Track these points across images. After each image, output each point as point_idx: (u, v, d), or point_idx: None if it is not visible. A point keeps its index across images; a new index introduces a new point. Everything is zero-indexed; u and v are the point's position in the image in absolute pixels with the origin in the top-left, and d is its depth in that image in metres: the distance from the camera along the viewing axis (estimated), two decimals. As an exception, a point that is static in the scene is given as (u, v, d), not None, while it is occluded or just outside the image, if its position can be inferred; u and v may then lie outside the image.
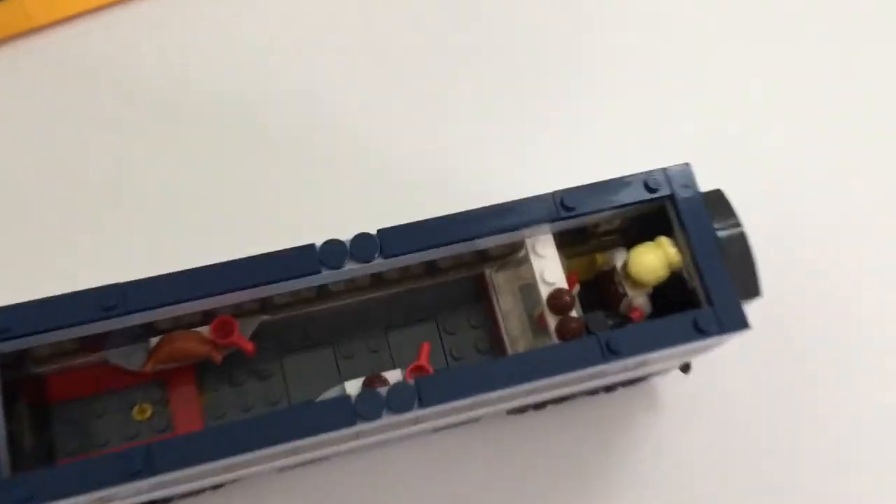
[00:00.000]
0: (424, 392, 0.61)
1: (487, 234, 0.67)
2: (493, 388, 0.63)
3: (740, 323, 0.67)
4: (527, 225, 0.69)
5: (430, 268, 0.73)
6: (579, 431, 0.76)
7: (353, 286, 0.69)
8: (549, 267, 0.70)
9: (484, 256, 0.76)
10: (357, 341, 0.68)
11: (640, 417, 0.77)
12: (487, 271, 0.78)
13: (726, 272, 0.68)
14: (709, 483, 0.74)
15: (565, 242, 0.68)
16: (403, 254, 0.64)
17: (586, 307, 0.76)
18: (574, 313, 0.69)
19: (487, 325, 0.72)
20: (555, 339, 0.68)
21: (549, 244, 0.71)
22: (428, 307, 0.71)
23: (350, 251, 0.60)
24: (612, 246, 0.78)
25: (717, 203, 0.72)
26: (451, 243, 0.66)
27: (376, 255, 0.62)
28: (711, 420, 0.77)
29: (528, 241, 0.71)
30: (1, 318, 0.52)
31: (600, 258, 0.78)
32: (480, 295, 0.77)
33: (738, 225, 0.71)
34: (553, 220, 0.69)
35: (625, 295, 0.74)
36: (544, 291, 0.70)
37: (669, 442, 0.76)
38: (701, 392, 0.78)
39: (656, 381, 0.76)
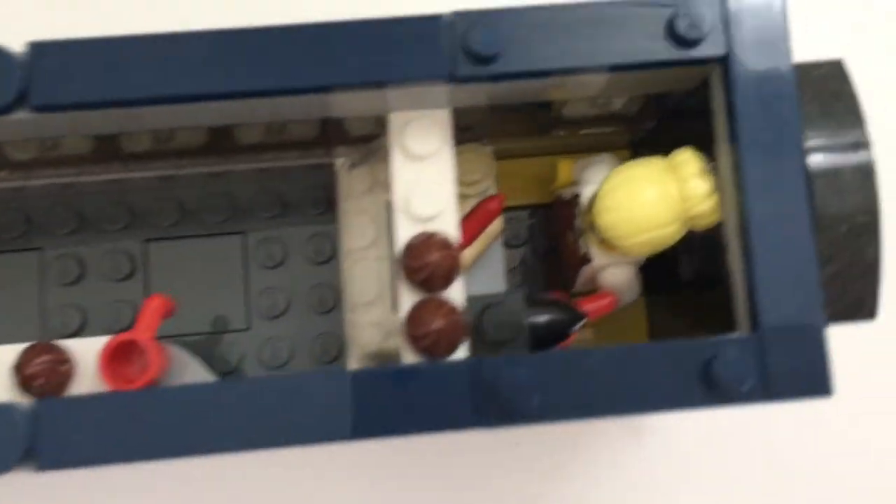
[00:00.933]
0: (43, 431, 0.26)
1: (298, 87, 0.32)
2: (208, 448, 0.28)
3: (813, 383, 0.29)
4: (396, 80, 0.30)
5: (224, 139, 0.37)
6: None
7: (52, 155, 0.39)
8: (424, 182, 0.32)
9: (334, 132, 0.37)
10: (90, 248, 0.42)
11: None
12: (339, 161, 0.40)
13: (811, 255, 0.29)
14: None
15: (507, 127, 0.39)
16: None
17: (517, 262, 0.38)
18: (455, 290, 0.31)
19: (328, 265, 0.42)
20: (405, 344, 0.31)
21: (437, 131, 0.32)
22: (227, 207, 0.43)
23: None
24: (596, 147, 0.39)
25: (828, 93, 0.32)
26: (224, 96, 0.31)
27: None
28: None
29: (395, 118, 0.33)
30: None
31: (564, 169, 0.39)
32: (330, 201, 0.40)
33: (861, 147, 0.31)
34: (451, 79, 0.30)
35: (586, 259, 0.35)
36: (403, 233, 0.32)
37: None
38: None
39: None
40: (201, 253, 0.42)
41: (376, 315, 0.38)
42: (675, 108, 0.37)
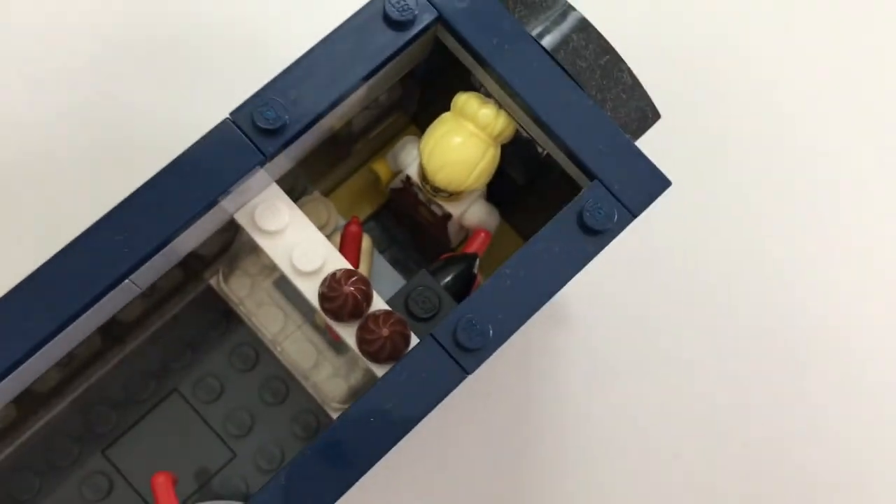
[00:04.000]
0: None
1: (152, 246, 0.35)
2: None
3: (655, 181, 0.36)
4: (221, 190, 0.34)
5: (113, 329, 0.39)
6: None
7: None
8: (298, 245, 0.37)
9: (194, 264, 0.41)
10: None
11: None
12: (214, 280, 0.44)
13: (590, 102, 0.36)
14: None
15: (315, 169, 0.44)
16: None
17: (404, 263, 0.43)
18: (375, 305, 0.36)
19: (267, 362, 0.46)
20: (363, 359, 0.36)
21: (278, 203, 0.37)
22: (147, 381, 0.45)
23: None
24: (393, 137, 0.45)
25: (521, -5, 0.39)
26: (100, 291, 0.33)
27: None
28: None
29: (240, 216, 0.37)
30: None
31: (381, 168, 0.45)
32: (229, 314, 0.44)
33: (568, 12, 0.38)
34: (261, 163, 0.35)
35: (446, 216, 0.41)
36: (308, 290, 0.36)
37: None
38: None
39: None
40: (154, 429, 0.45)
41: (327, 369, 0.43)
42: (428, 73, 0.43)
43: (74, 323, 0.34)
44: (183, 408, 0.45)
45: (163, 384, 0.45)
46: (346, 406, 0.43)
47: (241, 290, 0.43)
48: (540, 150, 0.41)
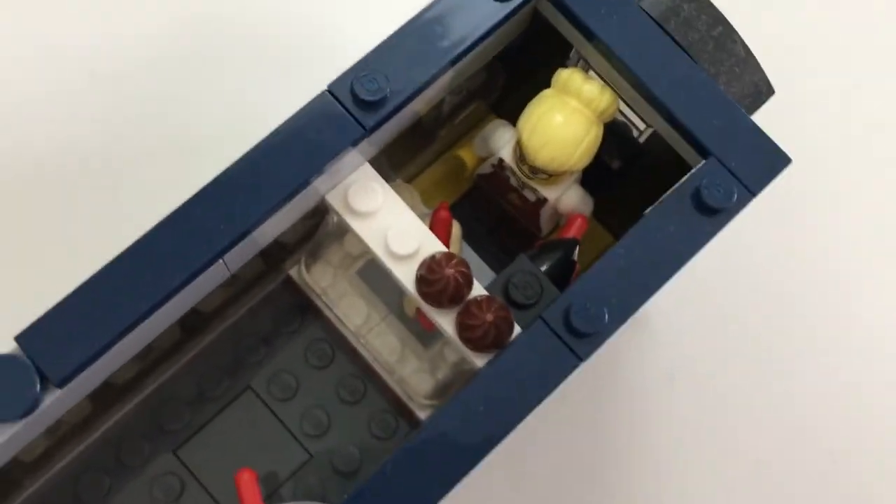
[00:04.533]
0: None
1: (245, 226, 0.33)
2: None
3: (774, 158, 0.34)
4: (320, 167, 0.32)
5: (194, 321, 0.38)
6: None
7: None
8: (392, 227, 0.35)
9: (276, 251, 0.39)
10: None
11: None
12: (294, 271, 0.42)
13: (704, 76, 0.34)
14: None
15: (397, 156, 0.41)
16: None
17: (487, 252, 0.41)
18: (475, 290, 0.34)
19: (342, 360, 0.43)
20: (462, 347, 0.34)
21: (373, 184, 0.35)
22: (219, 376, 0.43)
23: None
24: (475, 124, 0.43)
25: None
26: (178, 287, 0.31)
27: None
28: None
29: (332, 197, 0.35)
30: None
31: (466, 155, 0.43)
32: (306, 308, 0.42)
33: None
34: (361, 138, 0.33)
35: (540, 201, 0.39)
36: (403, 275, 0.34)
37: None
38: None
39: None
40: (227, 427, 0.43)
41: (413, 363, 0.41)
42: (517, 54, 0.41)
43: (163, 307, 0.32)
44: (257, 406, 0.43)
45: (237, 381, 0.43)
46: (433, 402, 0.40)
47: (324, 280, 0.41)
48: (635, 133, 0.39)
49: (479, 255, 0.45)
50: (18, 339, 0.30)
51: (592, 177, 0.41)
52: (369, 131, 0.33)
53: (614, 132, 0.39)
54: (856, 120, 0.55)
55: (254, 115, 0.43)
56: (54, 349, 0.30)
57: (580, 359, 0.33)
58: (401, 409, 0.42)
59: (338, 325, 0.41)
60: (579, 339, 0.32)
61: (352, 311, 0.41)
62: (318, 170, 0.33)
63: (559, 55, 0.38)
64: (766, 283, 0.52)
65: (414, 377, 0.40)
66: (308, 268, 0.41)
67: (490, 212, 0.44)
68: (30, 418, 0.31)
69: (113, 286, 0.31)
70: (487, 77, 0.44)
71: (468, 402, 0.32)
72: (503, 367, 0.32)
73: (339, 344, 0.43)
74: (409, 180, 0.44)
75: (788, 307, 0.52)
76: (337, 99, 0.33)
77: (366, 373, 0.43)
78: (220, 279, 0.35)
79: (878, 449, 0.51)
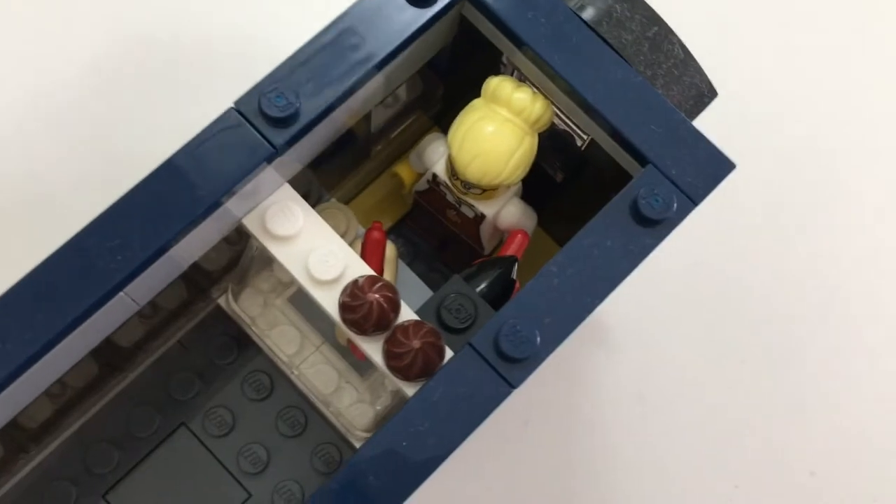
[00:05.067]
0: None
1: (148, 256, 0.30)
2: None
3: (717, 165, 0.32)
4: (226, 189, 0.30)
5: (112, 355, 0.35)
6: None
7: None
8: (314, 251, 0.33)
9: (200, 279, 0.37)
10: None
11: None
12: (223, 299, 0.39)
13: (639, 79, 0.32)
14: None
15: (330, 175, 0.40)
16: None
17: (435, 273, 0.39)
18: (403, 315, 0.32)
19: (282, 390, 0.41)
20: (391, 377, 0.32)
21: (292, 206, 0.33)
22: (150, 415, 0.40)
23: None
24: (416, 138, 0.41)
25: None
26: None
27: None
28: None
29: (249, 221, 0.33)
30: None
31: (403, 171, 0.41)
32: (240, 338, 0.39)
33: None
34: (271, 157, 0.31)
35: (478, 217, 0.37)
36: (328, 302, 0.32)
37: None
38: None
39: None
40: (159, 468, 0.41)
41: (350, 394, 0.38)
42: (451, 63, 0.39)
43: (62, 344, 0.30)
44: (192, 444, 0.41)
45: (169, 418, 0.40)
46: (364, 440, 0.38)
47: (253, 309, 0.39)
48: (578, 142, 0.37)
49: (428, 275, 0.43)
50: None
51: (536, 189, 0.39)
52: (280, 151, 0.31)
53: (556, 142, 0.37)
54: (804, 120, 0.53)
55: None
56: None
57: (512, 386, 0.30)
58: (345, 441, 0.40)
59: (271, 355, 0.39)
60: (510, 364, 0.30)
61: (284, 341, 0.39)
62: (224, 192, 0.31)
63: (493, 62, 0.36)
64: (737, 295, 0.50)
65: (352, 409, 0.38)
66: (236, 296, 0.39)
67: (433, 230, 0.42)
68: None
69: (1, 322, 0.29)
70: (424, 87, 0.42)
71: (392, 437, 0.30)
72: (429, 397, 0.30)
73: (277, 374, 0.40)
74: (347, 201, 0.42)
75: (762, 318, 0.50)
76: (244, 116, 0.31)
77: (308, 403, 0.40)
78: (128, 313, 0.33)
79: (856, 465, 0.49)
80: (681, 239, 0.35)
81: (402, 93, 0.41)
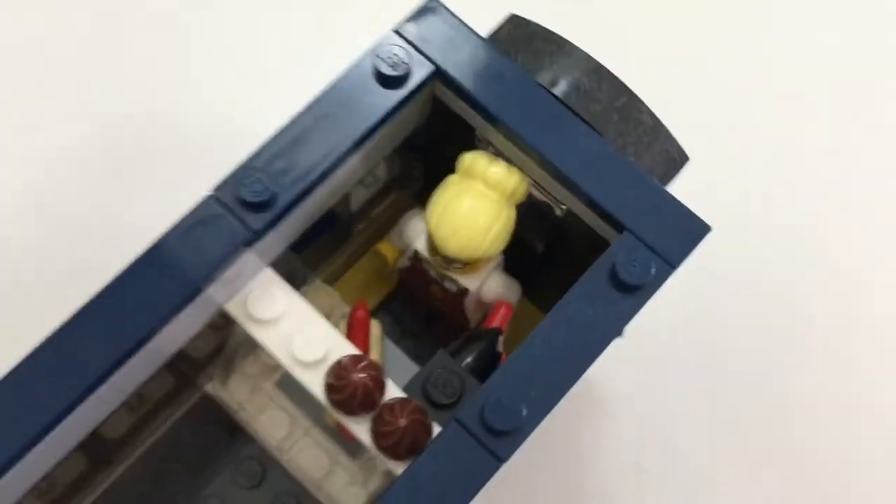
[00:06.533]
0: None
1: (135, 341, 0.31)
2: None
3: (693, 228, 0.32)
4: (206, 275, 0.30)
5: (99, 449, 0.35)
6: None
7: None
8: (298, 333, 0.33)
9: (184, 365, 0.37)
10: None
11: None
12: (210, 386, 0.39)
13: (610, 149, 0.32)
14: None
15: (313, 256, 0.40)
16: None
17: (423, 349, 0.39)
18: (389, 393, 0.32)
19: (274, 476, 0.40)
20: (380, 456, 0.31)
21: (273, 289, 0.33)
22: (150, 497, 0.39)
23: None
24: (398, 216, 0.42)
25: (522, 39, 0.36)
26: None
27: None
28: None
29: (232, 307, 0.33)
30: None
31: (385, 249, 0.41)
32: (229, 425, 0.39)
33: (574, 53, 0.35)
34: (250, 242, 0.31)
35: (461, 291, 0.37)
36: (313, 384, 0.32)
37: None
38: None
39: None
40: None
41: (342, 477, 0.38)
42: (428, 141, 0.40)
43: (46, 439, 0.29)
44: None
45: None
46: (365, 518, 0.38)
47: (240, 395, 0.39)
48: (557, 211, 0.37)
49: (415, 351, 0.43)
50: None
51: (518, 259, 0.39)
52: (259, 234, 0.32)
53: (535, 212, 0.37)
54: (780, 177, 0.54)
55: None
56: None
57: (500, 460, 0.30)
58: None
59: (261, 441, 0.39)
60: (497, 437, 0.30)
61: (273, 427, 0.38)
62: (205, 279, 0.31)
63: (468, 138, 0.37)
64: (726, 357, 0.50)
65: (344, 492, 0.38)
66: (223, 382, 0.39)
67: (419, 307, 0.42)
68: None
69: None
70: (403, 166, 0.42)
71: (382, 519, 0.29)
72: (417, 476, 0.30)
73: (269, 460, 0.40)
74: (335, 280, 0.43)
75: (753, 380, 0.50)
76: (222, 203, 0.32)
77: (300, 489, 0.40)
78: (114, 404, 0.32)
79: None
80: (664, 305, 0.36)
81: (381, 172, 0.41)
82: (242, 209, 0.32)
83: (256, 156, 0.32)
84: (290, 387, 0.39)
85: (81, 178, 0.52)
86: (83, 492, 0.38)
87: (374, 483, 0.38)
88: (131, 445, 0.39)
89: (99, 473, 0.38)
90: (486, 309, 0.39)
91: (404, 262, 0.39)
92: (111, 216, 0.50)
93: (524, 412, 0.30)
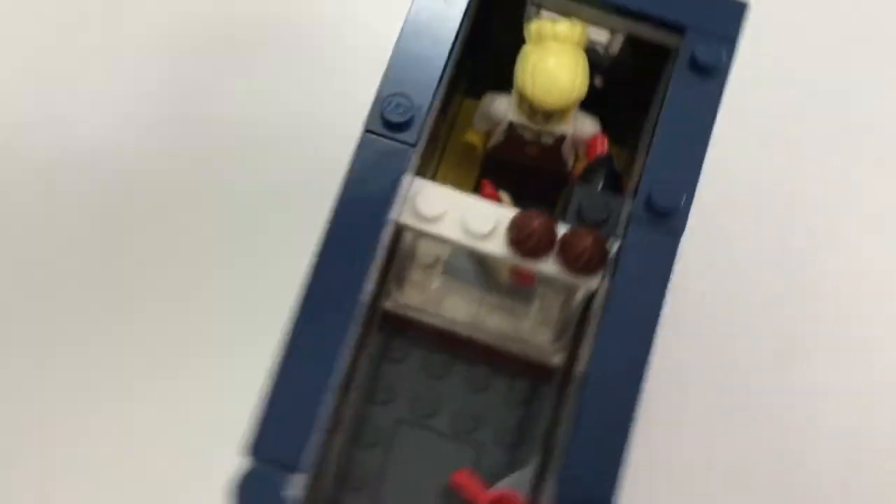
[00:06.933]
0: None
1: None
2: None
3: (735, 9, 0.40)
4: (394, 200, 0.37)
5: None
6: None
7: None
8: (467, 212, 0.39)
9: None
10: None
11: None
12: (389, 303, 0.45)
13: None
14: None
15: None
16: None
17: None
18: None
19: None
20: (565, 275, 0.39)
21: (430, 189, 0.40)
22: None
23: None
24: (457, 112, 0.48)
25: None
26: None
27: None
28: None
29: (405, 217, 0.39)
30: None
31: (473, 137, 0.48)
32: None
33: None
34: (409, 157, 0.37)
35: (559, 139, 0.44)
36: (495, 249, 0.39)
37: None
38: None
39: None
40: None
41: (528, 322, 0.45)
42: (479, 34, 0.45)
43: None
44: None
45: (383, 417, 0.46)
46: (562, 345, 0.44)
47: (415, 298, 0.45)
48: (601, 50, 0.44)
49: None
50: (250, 453, 0.32)
51: (584, 103, 0.46)
52: (415, 147, 0.37)
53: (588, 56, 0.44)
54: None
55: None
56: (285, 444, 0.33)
57: (676, 235, 0.37)
58: (530, 373, 0.45)
59: (448, 330, 0.45)
60: (666, 218, 0.37)
61: (455, 311, 0.45)
62: (393, 202, 0.37)
63: (516, 15, 0.43)
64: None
65: (536, 333, 0.44)
66: (398, 295, 0.45)
67: (510, 180, 0.48)
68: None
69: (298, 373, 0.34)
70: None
71: (614, 320, 0.36)
72: (625, 268, 0.36)
73: (448, 350, 0.46)
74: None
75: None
76: (376, 133, 0.37)
77: (487, 358, 0.45)
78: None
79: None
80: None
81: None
82: (394, 131, 0.37)
83: (382, 84, 0.38)
84: (455, 272, 0.45)
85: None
86: None
87: (552, 316, 0.45)
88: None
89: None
90: (579, 148, 0.46)
91: (498, 139, 0.45)
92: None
93: (681, 188, 0.37)
